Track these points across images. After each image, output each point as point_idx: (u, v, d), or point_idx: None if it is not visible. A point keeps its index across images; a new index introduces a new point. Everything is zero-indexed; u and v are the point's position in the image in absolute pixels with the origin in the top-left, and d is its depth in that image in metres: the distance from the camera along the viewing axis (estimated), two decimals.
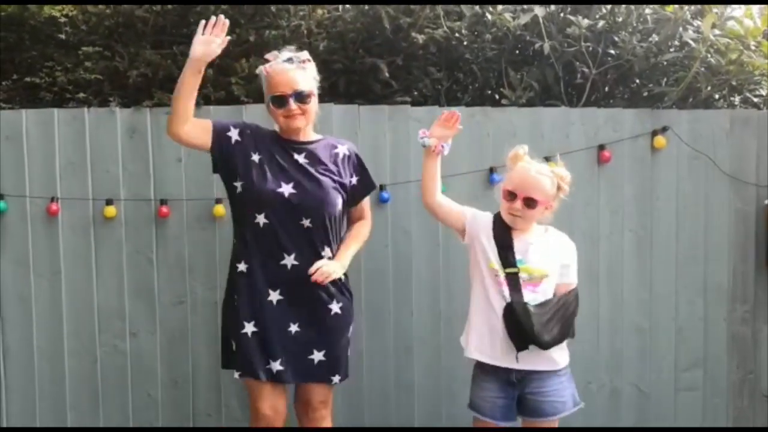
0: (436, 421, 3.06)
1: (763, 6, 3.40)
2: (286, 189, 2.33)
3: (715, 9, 3.21)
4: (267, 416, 2.41)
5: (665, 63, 3.40)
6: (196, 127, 2.35)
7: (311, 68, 2.42)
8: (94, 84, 3.21)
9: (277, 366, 2.35)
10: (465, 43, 3.41)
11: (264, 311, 2.36)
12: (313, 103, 2.40)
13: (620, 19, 3.36)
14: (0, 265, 2.85)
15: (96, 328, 2.92)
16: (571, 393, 2.36)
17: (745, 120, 3.21)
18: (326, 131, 2.79)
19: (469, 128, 2.97)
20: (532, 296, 2.28)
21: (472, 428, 2.45)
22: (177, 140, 2.36)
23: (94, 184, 2.88)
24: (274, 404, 2.41)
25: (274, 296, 2.36)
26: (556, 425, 2.36)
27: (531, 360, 2.29)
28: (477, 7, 3.39)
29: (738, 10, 3.35)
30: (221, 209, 2.83)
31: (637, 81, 3.49)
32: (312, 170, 2.38)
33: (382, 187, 2.93)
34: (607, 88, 3.44)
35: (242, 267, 2.39)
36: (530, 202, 2.29)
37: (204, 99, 3.07)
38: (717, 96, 3.45)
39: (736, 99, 3.57)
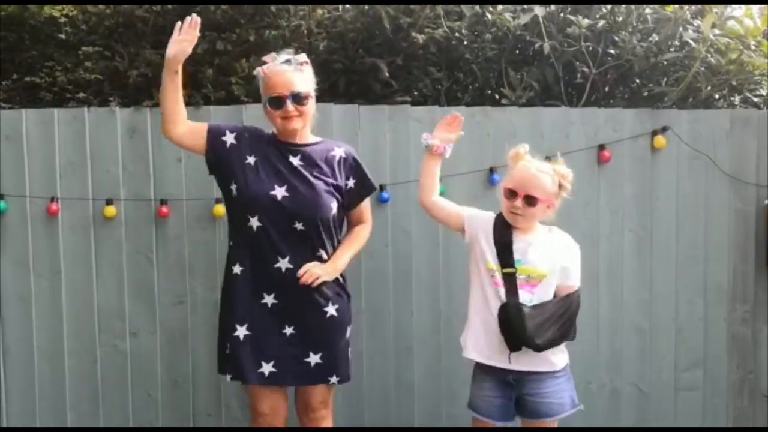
0: (436, 421, 3.06)
1: (763, 6, 3.40)
2: (279, 192, 2.32)
3: (715, 9, 3.21)
4: (266, 416, 2.42)
5: (665, 63, 3.40)
6: (190, 131, 2.37)
7: (309, 71, 2.42)
8: (94, 84, 3.21)
9: (269, 368, 2.35)
10: (465, 43, 3.41)
11: (257, 314, 2.36)
12: (311, 105, 2.40)
13: (620, 19, 3.36)
14: (0, 265, 2.85)
15: (96, 328, 2.92)
16: (569, 395, 2.35)
17: (745, 120, 3.21)
18: (326, 131, 2.79)
19: (469, 128, 2.95)
20: (528, 297, 2.28)
21: (471, 428, 2.45)
22: (171, 141, 2.38)
23: (94, 184, 2.88)
24: (272, 404, 2.42)
25: (269, 299, 2.36)
26: (555, 425, 2.36)
27: (527, 361, 2.29)
28: (477, 7, 3.39)
29: (738, 9, 3.36)
30: (221, 209, 2.83)
31: (637, 81, 3.49)
32: (306, 173, 2.37)
33: (382, 187, 2.93)
34: (607, 88, 3.44)
35: (236, 270, 2.38)
36: (530, 200, 2.28)
37: (204, 99, 3.08)
38: (717, 96, 3.45)
39: (736, 99, 3.57)
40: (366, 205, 2.55)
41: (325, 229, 2.37)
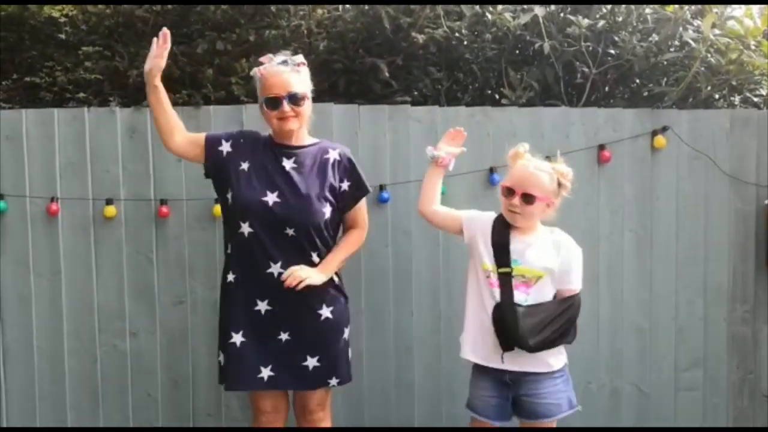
0: (436, 421, 3.06)
1: (763, 6, 3.40)
2: (271, 198, 2.32)
3: (715, 9, 3.21)
4: (268, 414, 2.43)
5: (665, 63, 3.40)
6: (189, 142, 2.41)
7: (306, 72, 2.41)
8: (94, 84, 3.21)
9: (268, 372, 2.35)
10: (465, 43, 3.41)
11: (252, 321, 2.35)
12: (307, 106, 2.39)
13: (620, 19, 3.36)
14: (0, 265, 2.85)
15: (96, 328, 2.92)
16: (566, 395, 2.35)
17: (745, 120, 3.21)
18: (326, 131, 2.79)
19: (469, 128, 2.95)
20: (523, 297, 2.27)
21: (471, 428, 2.45)
22: (172, 153, 2.44)
23: (94, 184, 2.88)
24: (274, 402, 2.43)
25: (262, 306, 2.35)
26: (554, 426, 2.36)
27: (522, 361, 2.28)
28: (477, 7, 3.39)
29: (738, 9, 3.36)
30: (220, 208, 2.83)
31: (637, 81, 3.49)
32: (298, 178, 2.35)
33: (382, 187, 2.94)
34: (607, 88, 3.44)
35: (231, 277, 2.39)
36: (528, 198, 2.27)
37: (204, 99, 3.08)
38: (717, 96, 3.45)
39: (736, 99, 3.57)
40: (361, 209, 2.52)
41: (318, 234, 2.36)
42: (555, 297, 2.33)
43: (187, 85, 3.18)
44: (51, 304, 2.88)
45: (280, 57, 2.38)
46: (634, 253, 3.15)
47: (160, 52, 2.27)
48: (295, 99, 2.33)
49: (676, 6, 3.20)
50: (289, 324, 2.36)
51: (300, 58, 2.41)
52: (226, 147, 2.41)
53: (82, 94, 3.16)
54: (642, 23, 3.37)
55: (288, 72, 2.34)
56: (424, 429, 3.06)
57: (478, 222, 2.41)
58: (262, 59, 2.41)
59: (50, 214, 2.83)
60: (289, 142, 2.41)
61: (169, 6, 3.30)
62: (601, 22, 3.28)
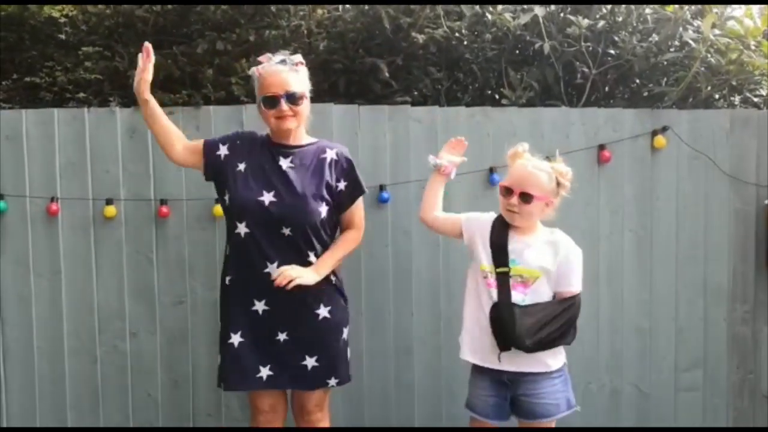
0: (436, 421, 3.06)
1: (763, 6, 3.40)
2: (267, 198, 2.31)
3: (715, 9, 3.21)
4: (266, 413, 2.43)
5: (665, 63, 3.40)
6: (189, 150, 2.44)
7: (304, 71, 2.41)
8: (94, 84, 3.21)
9: (267, 372, 2.35)
10: (465, 43, 3.41)
11: (250, 322, 2.36)
12: (305, 106, 2.38)
13: (620, 19, 3.36)
14: (0, 265, 2.85)
15: (96, 328, 2.92)
16: (565, 396, 2.34)
17: (745, 120, 3.21)
18: (326, 131, 2.79)
19: (469, 128, 2.98)
20: (521, 297, 2.27)
21: (471, 428, 2.45)
22: (174, 163, 2.49)
23: (94, 184, 2.88)
24: (272, 402, 2.43)
25: (260, 306, 2.35)
26: (553, 425, 2.35)
27: (520, 362, 2.28)
28: (477, 7, 3.39)
29: (738, 10, 3.36)
30: (221, 209, 2.83)
31: (637, 81, 3.49)
32: (294, 178, 2.35)
33: (382, 188, 2.93)
34: (607, 88, 3.44)
35: (228, 278, 2.40)
36: (526, 197, 2.26)
37: (204, 99, 3.08)
38: (717, 96, 3.45)
39: (736, 99, 3.57)
40: (357, 209, 2.49)
41: (315, 234, 2.35)
42: (554, 297, 2.33)
43: (187, 85, 3.18)
44: (51, 304, 2.88)
45: (278, 56, 2.38)
46: (634, 253, 3.15)
47: (144, 66, 2.33)
48: (293, 98, 2.33)
49: (676, 6, 3.20)
50: (286, 324, 2.36)
51: (298, 57, 2.41)
52: (223, 150, 2.42)
53: (82, 94, 3.16)
54: (642, 23, 3.37)
55: (286, 71, 2.34)
56: (424, 429, 3.06)
57: (477, 223, 2.41)
58: (260, 58, 2.41)
59: (50, 214, 2.83)
60: (286, 141, 2.41)
61: (169, 6, 3.30)
62: (601, 23, 3.28)
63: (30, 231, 2.85)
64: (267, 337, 2.36)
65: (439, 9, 3.32)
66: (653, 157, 3.13)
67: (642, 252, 3.15)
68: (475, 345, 2.35)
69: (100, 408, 2.93)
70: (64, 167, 2.86)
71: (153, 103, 2.38)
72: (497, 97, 3.40)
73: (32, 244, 2.86)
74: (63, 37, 3.41)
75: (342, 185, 2.42)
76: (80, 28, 3.45)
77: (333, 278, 2.43)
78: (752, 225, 3.22)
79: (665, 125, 3.10)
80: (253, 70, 2.40)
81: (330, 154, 2.43)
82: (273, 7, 3.33)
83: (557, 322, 2.27)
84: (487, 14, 3.38)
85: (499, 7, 3.34)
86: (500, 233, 2.33)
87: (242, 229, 2.33)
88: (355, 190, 2.46)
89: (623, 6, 3.34)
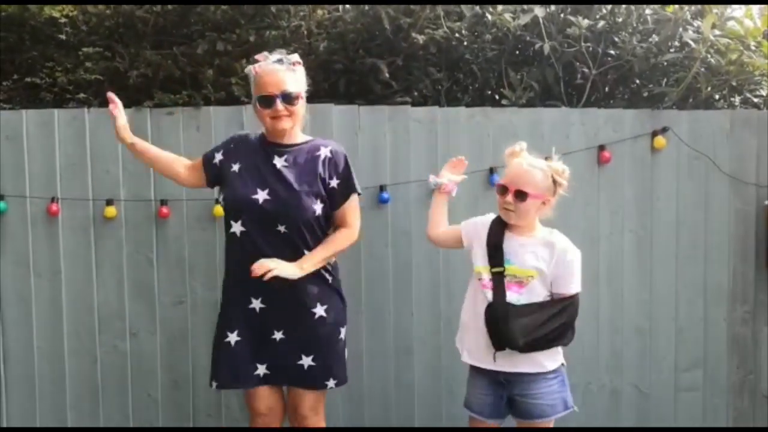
0: (436, 421, 3.06)
1: (763, 6, 3.40)
2: (261, 195, 2.31)
3: (715, 9, 3.21)
4: (264, 416, 2.42)
5: (665, 63, 3.41)
6: (192, 170, 2.50)
7: (301, 71, 2.40)
8: (94, 84, 3.21)
9: (263, 369, 2.36)
10: (465, 43, 3.41)
11: (247, 320, 2.36)
12: (300, 106, 2.37)
13: (620, 20, 3.36)
14: (0, 265, 2.85)
15: (96, 328, 2.92)
16: (561, 396, 2.33)
17: (745, 120, 3.21)
18: (326, 131, 2.79)
19: (469, 129, 2.98)
20: (516, 297, 2.26)
21: (470, 428, 2.45)
22: (186, 187, 2.63)
23: (94, 184, 2.88)
24: (269, 404, 2.42)
25: (256, 304, 2.36)
26: (551, 425, 2.35)
27: (515, 362, 2.28)
28: (477, 8, 3.39)
29: (738, 10, 3.36)
30: (221, 209, 2.83)
31: (637, 81, 3.49)
32: (288, 176, 2.34)
33: (382, 188, 2.93)
34: (607, 89, 3.44)
35: (227, 278, 2.41)
36: (521, 195, 2.26)
37: (204, 99, 3.08)
38: (717, 96, 3.46)
39: (736, 99, 3.57)
40: (350, 208, 2.43)
41: (309, 231, 2.34)
42: (551, 298, 2.32)
43: (188, 86, 3.19)
44: (51, 304, 2.89)
45: (275, 55, 2.37)
46: (634, 253, 3.15)
47: (115, 113, 2.41)
48: (288, 98, 2.32)
49: (676, 6, 3.20)
50: (283, 323, 2.36)
51: (295, 57, 2.40)
52: (218, 157, 2.44)
53: (82, 95, 3.16)
54: (642, 24, 3.37)
55: (283, 71, 2.33)
56: (424, 429, 3.06)
57: (474, 226, 2.42)
58: (257, 57, 2.41)
59: (50, 215, 2.83)
60: (281, 140, 2.40)
61: (169, 6, 3.30)
62: (601, 23, 3.28)
63: (30, 231, 2.85)
64: (264, 335, 2.36)
65: (439, 9, 3.32)
66: (653, 157, 3.13)
67: (642, 252, 3.15)
68: (471, 346, 2.36)
69: (100, 408, 2.93)
70: (64, 167, 2.86)
71: (140, 143, 2.47)
72: (497, 97, 3.40)
73: (32, 245, 2.86)
74: (63, 37, 3.41)
75: (334, 182, 2.39)
76: (80, 28, 3.45)
77: (330, 278, 2.42)
78: (752, 225, 3.22)
79: (665, 126, 3.11)
80: (250, 69, 2.39)
81: (324, 152, 2.41)
82: (273, 8, 3.33)
83: (554, 323, 2.26)
84: (487, 15, 3.38)
85: (499, 7, 3.34)
86: (497, 233, 2.33)
87: (238, 227, 2.33)
88: (347, 188, 2.42)
89: (623, 6, 3.34)
